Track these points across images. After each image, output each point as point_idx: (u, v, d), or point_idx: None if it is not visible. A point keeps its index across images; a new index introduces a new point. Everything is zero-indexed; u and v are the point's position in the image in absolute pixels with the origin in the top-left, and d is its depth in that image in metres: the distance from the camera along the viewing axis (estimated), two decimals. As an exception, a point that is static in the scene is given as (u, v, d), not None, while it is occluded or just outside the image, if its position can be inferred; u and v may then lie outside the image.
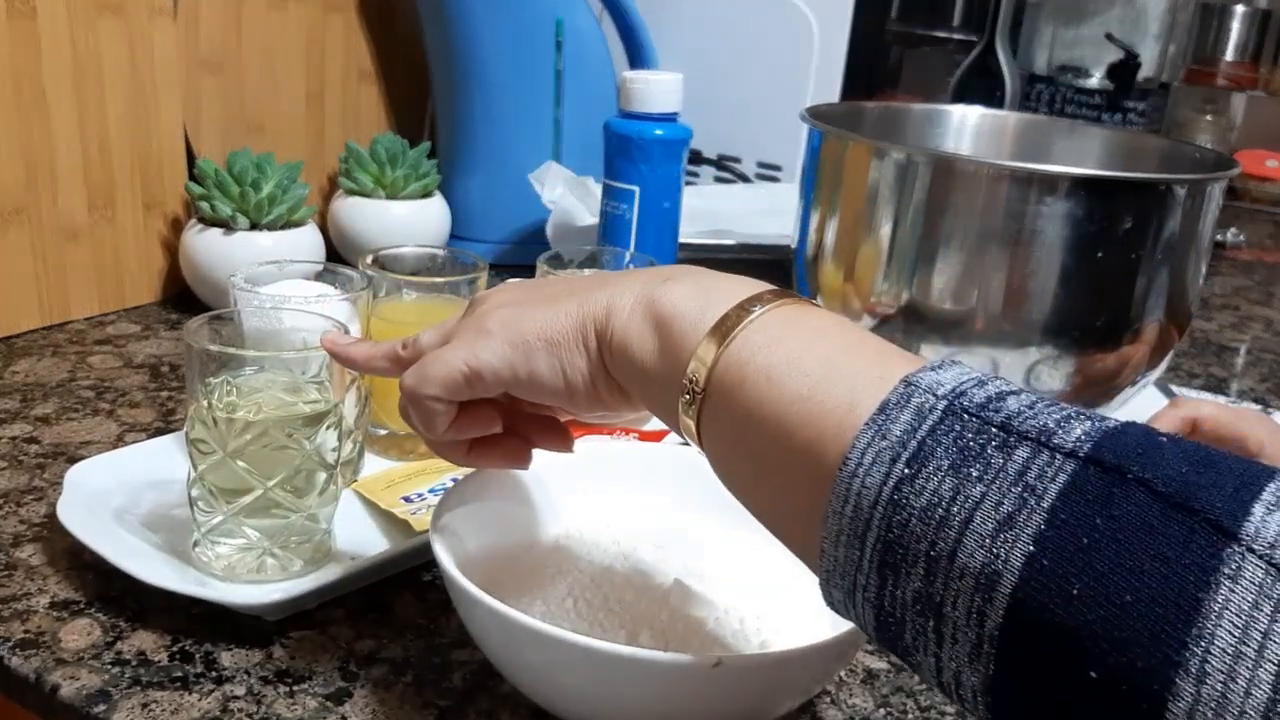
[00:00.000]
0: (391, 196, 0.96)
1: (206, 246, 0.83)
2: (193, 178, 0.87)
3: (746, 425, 0.34)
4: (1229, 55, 1.95)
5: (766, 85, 1.21)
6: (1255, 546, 0.24)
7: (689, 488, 0.52)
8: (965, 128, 0.87)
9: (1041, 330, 0.65)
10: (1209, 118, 1.98)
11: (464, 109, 1.02)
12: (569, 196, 0.96)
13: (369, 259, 0.65)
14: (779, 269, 0.84)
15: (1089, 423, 0.28)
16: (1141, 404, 0.75)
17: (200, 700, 0.45)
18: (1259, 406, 0.86)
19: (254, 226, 0.84)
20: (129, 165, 0.85)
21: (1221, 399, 0.88)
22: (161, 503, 0.56)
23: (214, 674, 0.46)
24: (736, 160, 1.26)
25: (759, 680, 0.41)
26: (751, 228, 1.04)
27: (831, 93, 1.18)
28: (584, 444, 0.50)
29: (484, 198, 1.04)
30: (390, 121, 1.11)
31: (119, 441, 0.66)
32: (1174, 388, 0.87)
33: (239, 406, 0.50)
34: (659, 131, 0.83)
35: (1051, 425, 0.28)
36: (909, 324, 0.67)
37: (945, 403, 0.29)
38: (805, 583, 0.35)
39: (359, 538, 0.56)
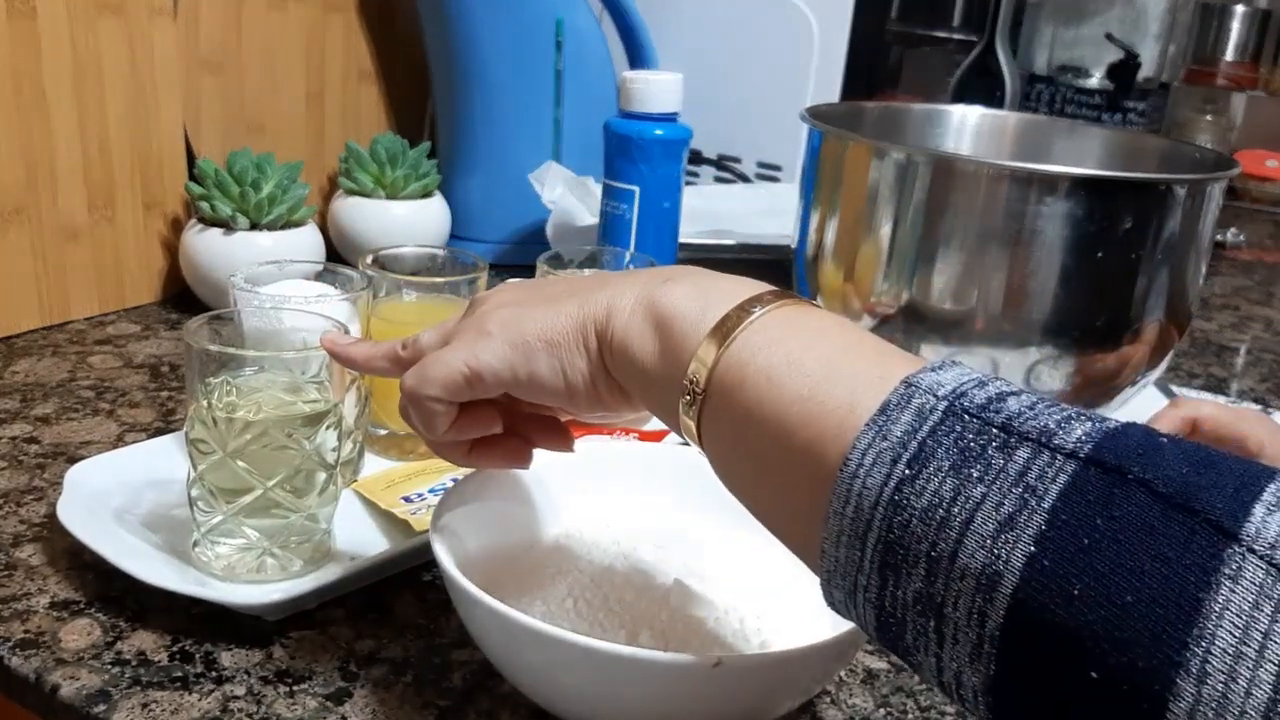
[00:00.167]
0: (391, 196, 0.96)
1: (206, 246, 0.83)
2: (193, 178, 0.87)
3: (747, 425, 0.34)
4: (1229, 55, 1.95)
5: (766, 85, 1.21)
6: (1256, 547, 0.24)
7: (689, 488, 0.52)
8: (965, 128, 0.87)
9: (1041, 330, 0.65)
10: (1209, 118, 1.98)
11: (464, 109, 1.02)
12: (569, 196, 0.96)
13: (369, 259, 0.65)
14: (779, 269, 0.84)
15: (1089, 423, 0.28)
16: (1141, 404, 0.75)
17: (200, 700, 0.45)
18: (1259, 406, 0.86)
19: (254, 226, 0.84)
20: (129, 165, 0.85)
21: (1221, 399, 0.88)
22: (161, 503, 0.56)
23: (214, 674, 0.46)
24: (736, 160, 1.26)
25: (759, 680, 0.41)
26: (751, 228, 1.04)
27: (831, 93, 1.18)
28: (584, 444, 0.50)
29: (484, 198, 1.04)
30: (390, 121, 1.11)
31: (119, 441, 0.66)
32: (1174, 388, 0.87)
33: (239, 406, 0.50)
34: (659, 131, 0.83)
35: (1052, 426, 0.28)
36: (909, 324, 0.67)
37: (946, 403, 0.30)
38: (805, 583, 0.35)
39: (359, 538, 0.56)
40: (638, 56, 1.03)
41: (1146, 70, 1.69)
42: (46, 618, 0.49)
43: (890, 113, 0.92)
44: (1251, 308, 1.21)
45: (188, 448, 0.51)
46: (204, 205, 0.83)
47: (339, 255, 0.97)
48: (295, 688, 0.46)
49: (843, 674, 0.50)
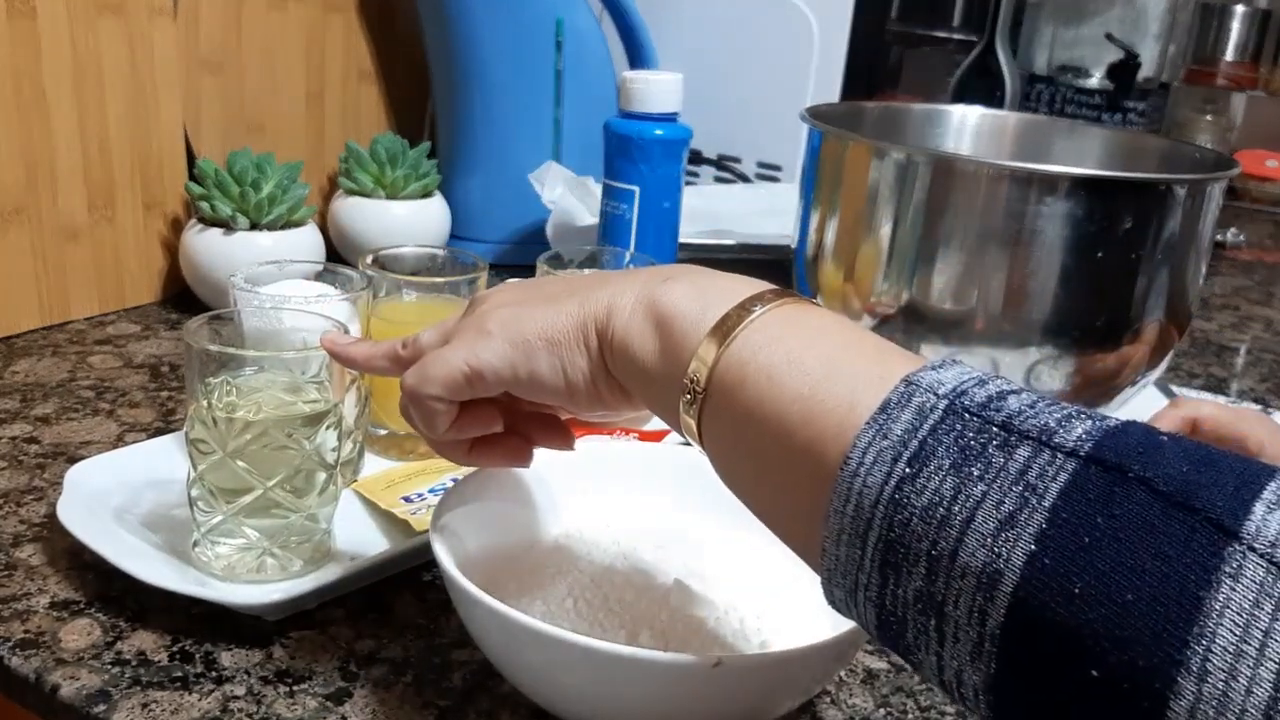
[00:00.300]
0: (391, 196, 0.96)
1: (206, 246, 0.83)
2: (193, 178, 0.87)
3: (747, 424, 0.34)
4: (1229, 55, 1.95)
5: (766, 85, 1.21)
6: (1256, 545, 0.24)
7: (689, 488, 0.52)
8: (965, 128, 0.87)
9: (1041, 330, 0.65)
10: (1209, 118, 1.98)
11: (464, 109, 1.02)
12: (569, 196, 0.96)
13: (369, 259, 0.65)
14: (779, 269, 0.84)
15: (1090, 422, 0.28)
16: (1141, 404, 0.75)
17: (200, 700, 0.45)
18: (1259, 406, 0.86)
19: (254, 226, 0.84)
20: (129, 165, 0.85)
21: (1221, 399, 0.88)
22: (161, 503, 0.56)
23: (214, 674, 0.46)
24: (736, 160, 1.26)
25: (759, 680, 0.41)
26: (751, 228, 1.04)
27: (831, 93, 1.18)
28: (584, 444, 0.50)
29: (484, 198, 1.04)
30: (390, 121, 1.11)
31: (119, 441, 0.66)
32: (1174, 388, 0.87)
33: (239, 406, 0.50)
34: (659, 131, 0.83)
35: (1052, 424, 0.28)
36: (909, 324, 0.67)
37: (946, 402, 0.30)
38: (805, 583, 0.35)
39: (359, 538, 0.56)
40: (638, 56, 1.03)
41: (1146, 70, 1.69)
42: (46, 618, 0.49)
43: (890, 113, 0.92)
44: (1251, 308, 1.21)
45: (188, 448, 0.51)
46: (204, 205, 0.83)
47: (339, 255, 0.97)
48: (295, 688, 0.46)
49: (843, 674, 0.50)
